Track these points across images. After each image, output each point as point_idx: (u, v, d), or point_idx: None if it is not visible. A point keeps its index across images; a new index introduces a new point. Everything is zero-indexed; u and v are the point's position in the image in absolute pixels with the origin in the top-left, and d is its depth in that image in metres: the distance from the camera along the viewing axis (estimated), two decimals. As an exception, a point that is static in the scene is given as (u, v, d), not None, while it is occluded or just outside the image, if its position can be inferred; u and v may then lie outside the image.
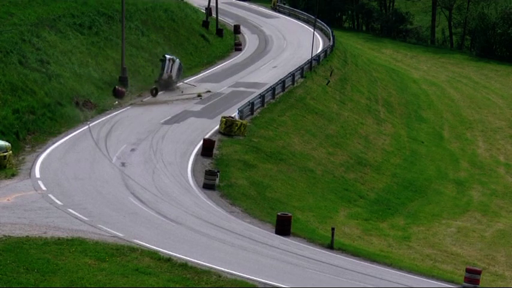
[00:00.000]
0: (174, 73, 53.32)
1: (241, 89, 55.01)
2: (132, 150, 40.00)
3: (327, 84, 61.66)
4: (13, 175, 34.35)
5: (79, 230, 27.97)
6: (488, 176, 53.98)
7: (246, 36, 75.76)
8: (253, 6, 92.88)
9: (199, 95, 52.26)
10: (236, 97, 52.31)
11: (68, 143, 40.07)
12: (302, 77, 59.56)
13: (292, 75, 57.42)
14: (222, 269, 25.49)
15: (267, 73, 60.59)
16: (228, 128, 44.42)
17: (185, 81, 54.82)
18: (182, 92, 52.87)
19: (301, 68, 59.90)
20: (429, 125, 65.11)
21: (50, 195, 31.85)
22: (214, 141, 41.80)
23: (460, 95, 76.15)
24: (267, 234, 31.34)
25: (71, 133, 41.84)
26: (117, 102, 48.76)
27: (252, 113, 48.87)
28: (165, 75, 52.83)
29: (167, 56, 53.41)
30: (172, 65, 53.06)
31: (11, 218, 28.59)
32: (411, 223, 41.21)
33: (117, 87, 49.71)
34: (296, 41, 73.82)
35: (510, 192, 51.04)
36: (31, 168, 35.60)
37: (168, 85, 52.90)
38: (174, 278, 24.35)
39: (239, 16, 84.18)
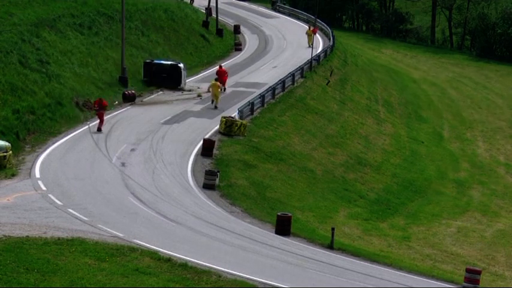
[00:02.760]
0: (185, 79, 54.13)
1: (241, 89, 55.02)
2: (132, 150, 40.00)
3: (327, 84, 61.67)
4: (13, 175, 34.34)
5: (79, 230, 27.97)
6: (488, 176, 53.99)
7: (246, 36, 75.77)
8: (253, 6, 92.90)
9: (199, 95, 52.31)
10: (236, 97, 52.32)
11: (68, 143, 40.07)
12: (302, 77, 59.57)
13: (292, 75, 57.43)
14: (222, 269, 25.49)
15: (267, 73, 60.60)
16: (228, 128, 44.42)
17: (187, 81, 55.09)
18: (182, 92, 53.00)
19: (301, 68, 59.91)
20: (429, 125, 65.13)
21: (50, 195, 31.85)
22: (214, 141, 41.80)
23: (460, 95, 76.17)
24: (267, 234, 31.34)
25: (71, 133, 41.83)
26: (117, 102, 48.77)
27: (252, 113, 48.87)
28: (183, 85, 53.47)
29: (181, 65, 53.60)
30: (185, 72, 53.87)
31: (11, 218, 28.59)
32: (411, 223, 41.22)
33: (125, 91, 49.41)
34: (296, 41, 73.82)
35: (510, 192, 51.05)
36: (31, 168, 35.59)
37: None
38: (174, 278, 24.35)
39: (239, 16, 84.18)
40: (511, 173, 55.52)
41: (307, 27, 66.20)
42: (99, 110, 42.77)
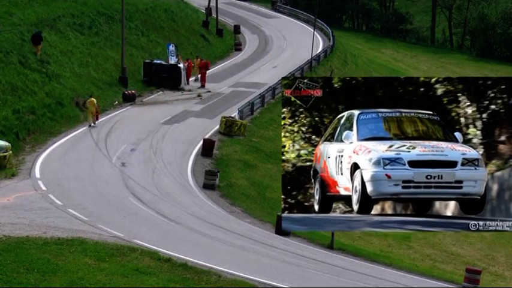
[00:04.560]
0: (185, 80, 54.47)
1: (241, 89, 55.01)
2: (132, 150, 40.01)
3: (327, 84, 61.57)
4: (13, 175, 34.34)
5: (79, 230, 27.96)
6: (488, 176, 53.90)
7: (246, 36, 75.72)
8: (253, 6, 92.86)
9: (199, 95, 52.33)
10: (236, 97, 52.32)
11: (68, 143, 40.08)
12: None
13: (292, 75, 57.40)
14: (222, 269, 25.49)
15: (267, 73, 60.58)
16: (228, 128, 44.43)
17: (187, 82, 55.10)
18: (182, 92, 53.02)
19: (301, 68, 59.90)
20: (429, 125, 65.01)
21: (50, 195, 31.85)
22: (214, 141, 41.81)
23: (460, 95, 76.05)
24: (267, 234, 31.34)
25: (71, 133, 41.84)
26: (116, 102, 48.78)
27: (252, 113, 48.89)
28: (183, 85, 53.66)
29: (181, 65, 53.78)
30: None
31: (11, 218, 28.59)
32: (411, 223, 41.18)
33: (125, 91, 49.42)
34: (296, 41, 73.76)
35: (510, 192, 50.99)
36: (31, 168, 35.60)
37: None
38: (174, 278, 24.36)
39: (239, 16, 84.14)
40: (511, 173, 55.46)
41: (196, 57, 57.53)
42: (205, 70, 54.23)
